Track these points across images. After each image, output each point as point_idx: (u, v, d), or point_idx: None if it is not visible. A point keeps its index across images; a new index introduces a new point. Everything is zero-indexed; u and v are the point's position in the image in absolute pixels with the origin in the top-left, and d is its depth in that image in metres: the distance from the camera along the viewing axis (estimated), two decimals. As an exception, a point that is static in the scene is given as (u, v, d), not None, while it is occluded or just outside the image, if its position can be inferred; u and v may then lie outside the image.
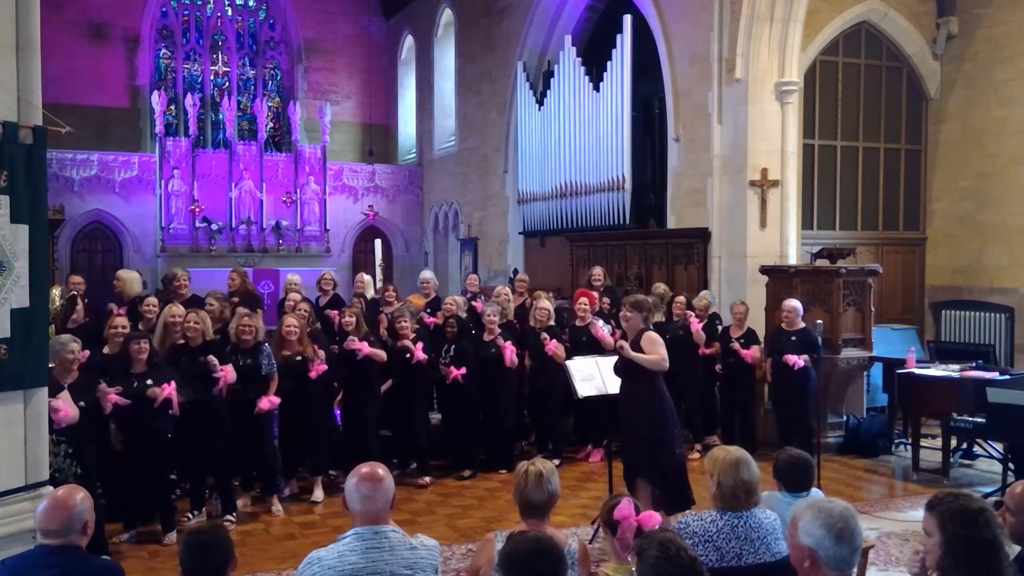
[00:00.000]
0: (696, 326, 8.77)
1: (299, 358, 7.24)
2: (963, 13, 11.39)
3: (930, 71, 11.73)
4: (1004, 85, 10.87)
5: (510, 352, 8.15)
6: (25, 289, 4.52)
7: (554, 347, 8.27)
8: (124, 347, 6.32)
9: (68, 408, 5.46)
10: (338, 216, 19.15)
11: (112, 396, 5.94)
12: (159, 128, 17.71)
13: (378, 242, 12.68)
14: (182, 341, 6.80)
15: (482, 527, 6.54)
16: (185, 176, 17.69)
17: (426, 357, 7.84)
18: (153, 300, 7.79)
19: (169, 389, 6.14)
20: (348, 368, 7.60)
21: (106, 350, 6.62)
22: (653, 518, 3.49)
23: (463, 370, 8.00)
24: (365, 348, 7.47)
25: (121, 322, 6.66)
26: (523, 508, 3.49)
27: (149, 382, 6.15)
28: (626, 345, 6.01)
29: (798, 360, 8.09)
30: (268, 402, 6.90)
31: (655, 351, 5.95)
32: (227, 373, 6.61)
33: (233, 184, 18.04)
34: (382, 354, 7.60)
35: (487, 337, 8.31)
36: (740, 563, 3.44)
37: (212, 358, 6.59)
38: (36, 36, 4.63)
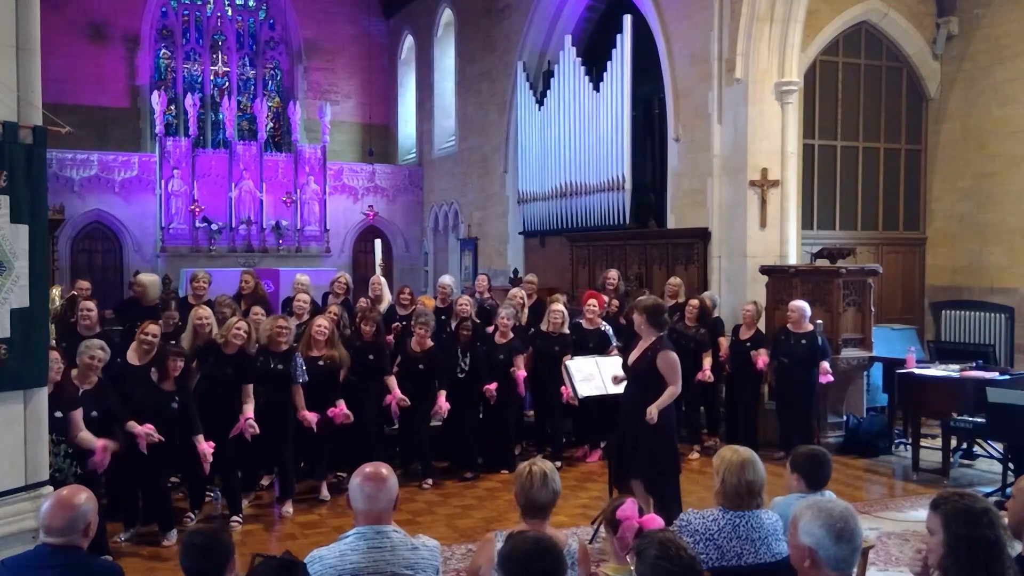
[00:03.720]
0: (707, 368, 8.61)
1: (321, 362, 7.16)
2: (963, 13, 11.39)
3: (930, 71, 11.73)
4: (1004, 85, 10.87)
5: (521, 379, 8.11)
6: (25, 289, 4.52)
7: (568, 395, 8.08)
8: (159, 359, 6.24)
9: (101, 445, 5.51)
10: (338, 216, 19.14)
11: (141, 436, 5.90)
12: (159, 128, 17.70)
13: (378, 242, 12.71)
14: (220, 340, 6.72)
15: (482, 527, 6.54)
16: (185, 176, 17.69)
17: (495, 394, 7.89)
18: (175, 315, 7.74)
19: (207, 450, 6.21)
20: (360, 369, 7.59)
21: (132, 357, 6.47)
22: (655, 521, 3.49)
23: (495, 384, 7.96)
24: (395, 399, 7.51)
25: (153, 330, 6.50)
26: (526, 508, 3.48)
27: (174, 405, 6.14)
28: (654, 413, 5.79)
29: (829, 376, 8.16)
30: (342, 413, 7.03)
31: (672, 377, 5.82)
32: (244, 427, 6.60)
33: (233, 184, 18.04)
34: (406, 401, 7.59)
35: (499, 340, 8.27)
36: (740, 563, 3.44)
37: (251, 422, 6.57)
38: (36, 36, 4.63)
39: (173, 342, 6.86)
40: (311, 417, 6.91)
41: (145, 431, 5.88)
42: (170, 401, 6.16)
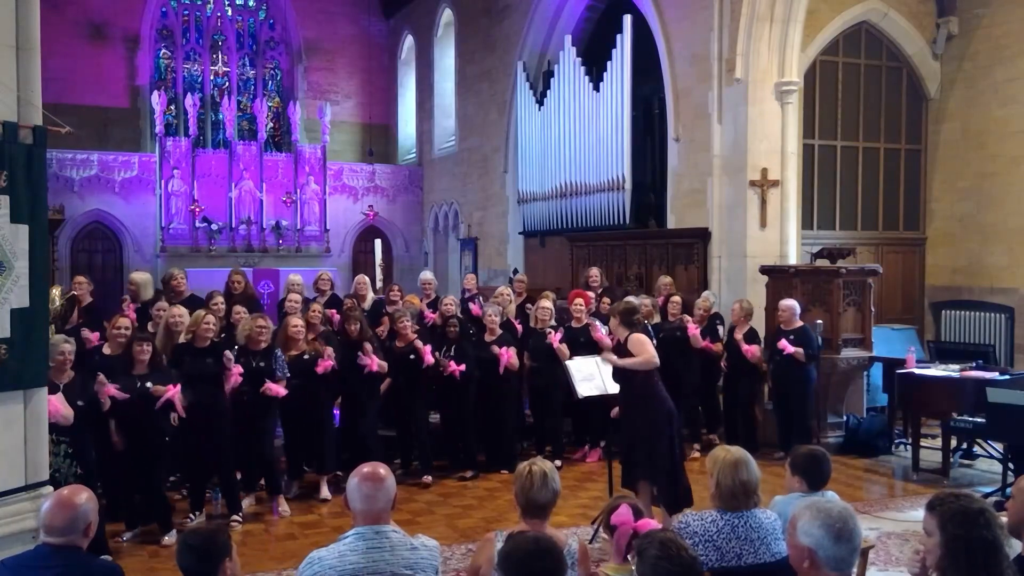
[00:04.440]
0: (693, 331, 8.75)
1: (306, 356, 7.25)
2: (963, 13, 11.39)
3: (930, 71, 11.73)
4: (1004, 85, 10.87)
5: (506, 358, 8.13)
6: (25, 289, 4.52)
7: (558, 340, 8.23)
8: (127, 347, 6.30)
9: (61, 406, 5.45)
10: (338, 216, 19.15)
11: (110, 389, 5.91)
12: (159, 128, 17.71)
13: (378, 242, 12.70)
14: (187, 339, 6.76)
15: (482, 527, 6.54)
16: (185, 176, 17.70)
17: (433, 360, 7.85)
18: (163, 305, 7.73)
19: (174, 391, 6.16)
20: (349, 369, 7.59)
21: (107, 350, 6.58)
22: (650, 526, 3.49)
23: (462, 367, 7.98)
24: (374, 365, 7.49)
25: (124, 322, 6.61)
26: (526, 508, 3.48)
27: (149, 384, 6.15)
28: (611, 356, 6.17)
29: (788, 346, 8.19)
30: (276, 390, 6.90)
31: (642, 351, 6.02)
32: (236, 374, 6.61)
33: (233, 184, 18.04)
34: (384, 366, 7.60)
35: (488, 338, 8.30)
36: (740, 563, 3.44)
37: (229, 355, 6.60)
38: (36, 36, 4.63)
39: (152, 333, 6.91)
40: (277, 389, 6.86)
41: (109, 389, 5.90)
42: (143, 383, 6.14)
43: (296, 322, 7.38)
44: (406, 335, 7.86)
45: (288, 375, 6.98)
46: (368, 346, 7.52)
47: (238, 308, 7.87)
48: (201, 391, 6.48)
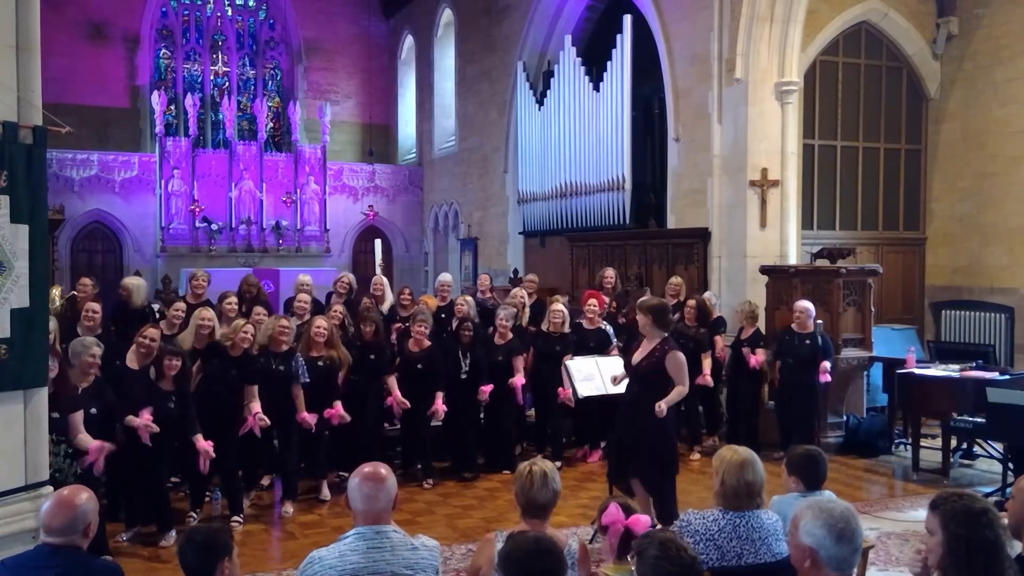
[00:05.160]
0: (706, 377, 8.62)
1: (321, 363, 7.15)
2: (963, 13, 11.39)
3: (930, 71, 11.73)
4: (1004, 85, 10.87)
5: (519, 388, 8.11)
6: (25, 289, 4.51)
7: (566, 396, 8.10)
8: (157, 360, 6.23)
9: (96, 446, 5.46)
10: (338, 216, 19.15)
11: (149, 428, 5.89)
12: (159, 128, 17.71)
13: (378, 242, 12.72)
14: (226, 343, 6.73)
15: (482, 527, 6.54)
16: (185, 176, 17.70)
17: (490, 390, 7.88)
18: (181, 306, 7.66)
19: (207, 454, 6.17)
20: (361, 369, 7.60)
21: (130, 359, 6.36)
22: (641, 522, 3.48)
23: (491, 386, 7.95)
24: (398, 403, 7.55)
25: (152, 333, 6.41)
26: (526, 508, 3.48)
27: (171, 405, 6.12)
28: (664, 408, 5.80)
29: (827, 375, 8.21)
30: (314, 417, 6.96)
31: (681, 378, 5.84)
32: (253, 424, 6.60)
33: (233, 184, 18.05)
34: (406, 404, 7.61)
35: (498, 341, 8.27)
36: (740, 563, 3.44)
37: (266, 421, 6.61)
38: (36, 36, 4.62)
39: (170, 336, 6.86)
40: (310, 419, 6.92)
41: (143, 422, 5.87)
42: (167, 401, 6.14)
43: (321, 323, 7.28)
44: (421, 342, 7.81)
45: (308, 379, 6.94)
46: (393, 383, 7.54)
47: (259, 310, 7.86)
48: (217, 394, 6.49)
